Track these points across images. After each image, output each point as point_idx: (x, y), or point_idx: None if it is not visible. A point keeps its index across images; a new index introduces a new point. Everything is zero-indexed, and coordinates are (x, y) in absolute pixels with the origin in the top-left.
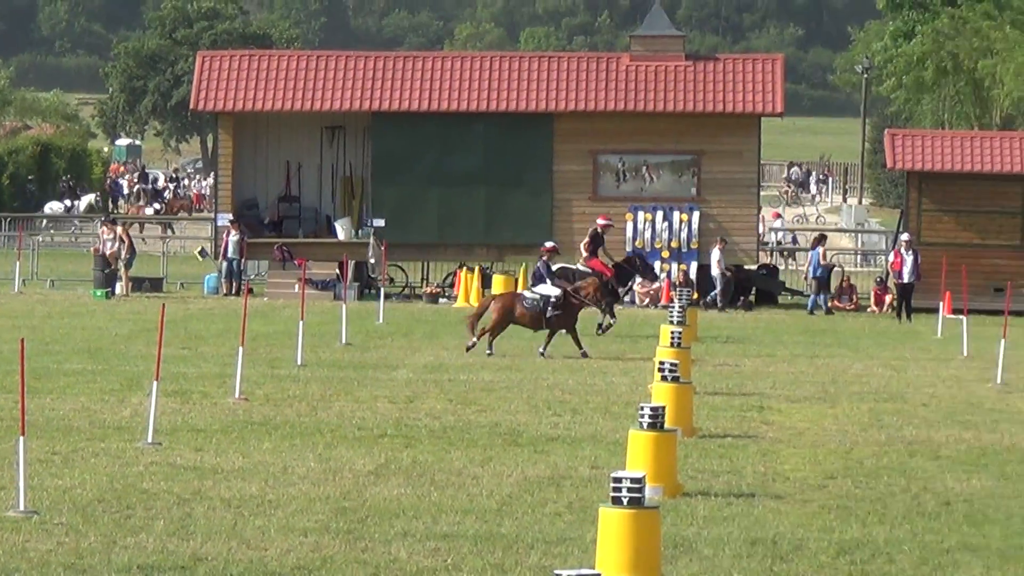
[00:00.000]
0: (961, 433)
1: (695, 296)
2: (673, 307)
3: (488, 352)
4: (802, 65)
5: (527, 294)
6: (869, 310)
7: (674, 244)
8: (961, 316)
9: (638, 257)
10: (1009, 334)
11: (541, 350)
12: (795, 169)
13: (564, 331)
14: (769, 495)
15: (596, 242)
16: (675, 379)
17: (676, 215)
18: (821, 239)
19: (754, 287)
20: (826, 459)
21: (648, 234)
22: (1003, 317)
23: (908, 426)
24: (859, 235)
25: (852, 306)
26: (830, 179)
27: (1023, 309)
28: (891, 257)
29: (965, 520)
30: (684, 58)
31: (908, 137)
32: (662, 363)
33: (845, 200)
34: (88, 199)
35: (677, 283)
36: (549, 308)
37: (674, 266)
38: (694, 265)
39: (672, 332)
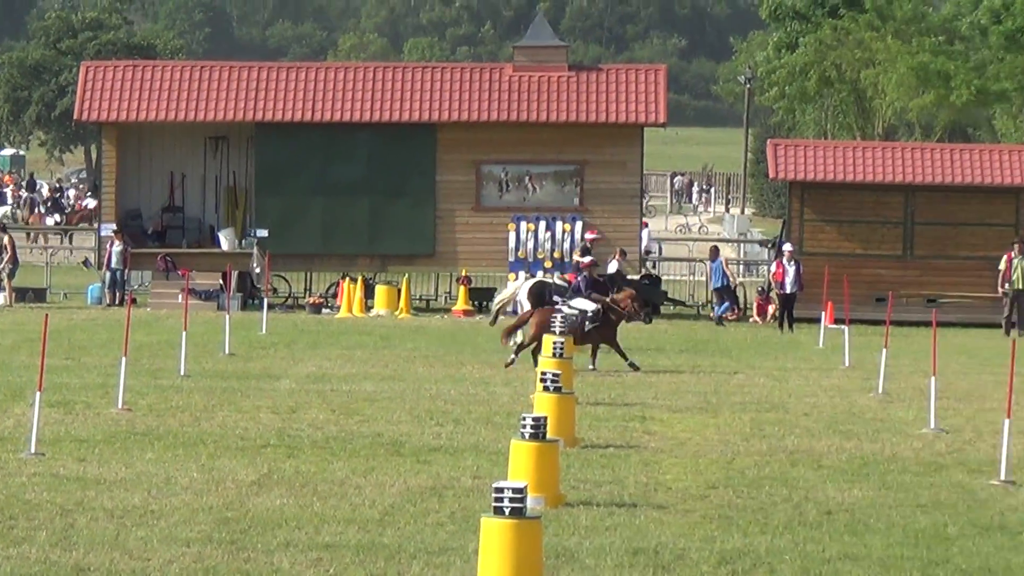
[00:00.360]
0: (842, 443)
1: None
2: (555, 318)
3: (510, 362)
4: (685, 76)
5: (564, 309)
6: (752, 320)
7: (557, 254)
8: (843, 326)
9: (619, 275)
10: (890, 344)
11: (590, 366)
12: (678, 179)
13: (606, 345)
14: (651, 505)
15: (585, 254)
16: (557, 389)
17: (559, 225)
18: (717, 251)
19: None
20: (708, 469)
21: (531, 244)
22: (884, 327)
23: (790, 436)
24: (741, 245)
25: (734, 316)
26: (713, 189)
27: (905, 319)
28: (773, 267)
29: (846, 529)
30: (567, 68)
31: (790, 147)
32: (544, 373)
33: (728, 210)
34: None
35: None
36: (587, 322)
37: (555, 276)
38: None
39: (554, 343)
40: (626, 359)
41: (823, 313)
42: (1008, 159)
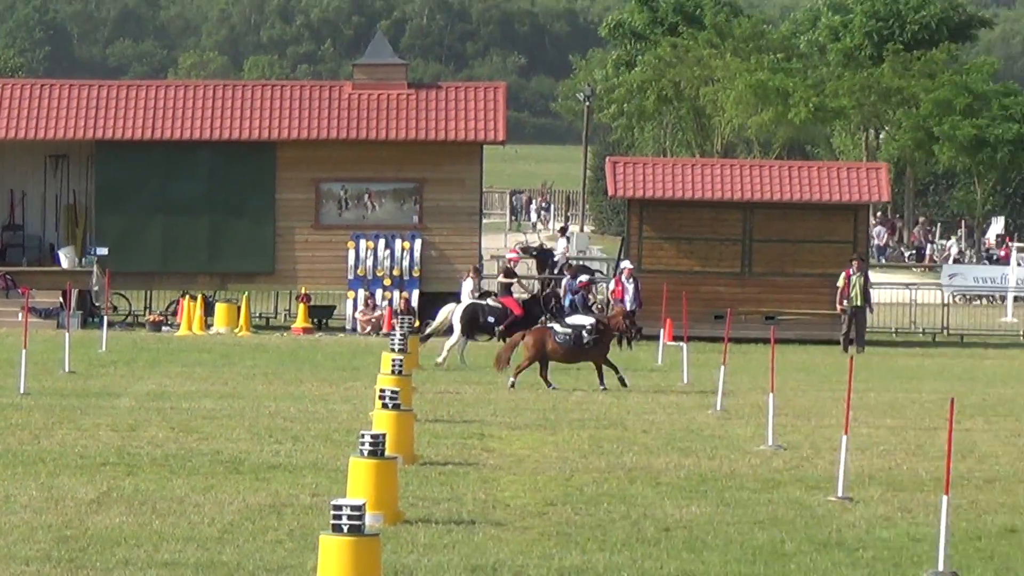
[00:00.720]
0: (681, 460)
1: (416, 324)
2: (394, 335)
3: (511, 385)
4: (525, 93)
5: (558, 328)
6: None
7: (396, 272)
8: (681, 343)
9: (554, 296)
10: (729, 361)
11: (601, 386)
12: (517, 196)
13: (597, 363)
14: (489, 522)
15: (510, 278)
16: (396, 407)
17: (398, 243)
18: (570, 267)
19: None
20: (546, 486)
21: (370, 262)
22: (723, 344)
23: (628, 453)
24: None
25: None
26: (552, 207)
27: (743, 336)
28: (612, 285)
29: (684, 546)
30: (407, 86)
31: (629, 165)
32: (383, 391)
33: (567, 228)
34: None
35: (399, 311)
36: (586, 337)
37: (396, 294)
38: (416, 293)
39: (393, 360)
40: (619, 372)
41: (662, 330)
42: (846, 176)
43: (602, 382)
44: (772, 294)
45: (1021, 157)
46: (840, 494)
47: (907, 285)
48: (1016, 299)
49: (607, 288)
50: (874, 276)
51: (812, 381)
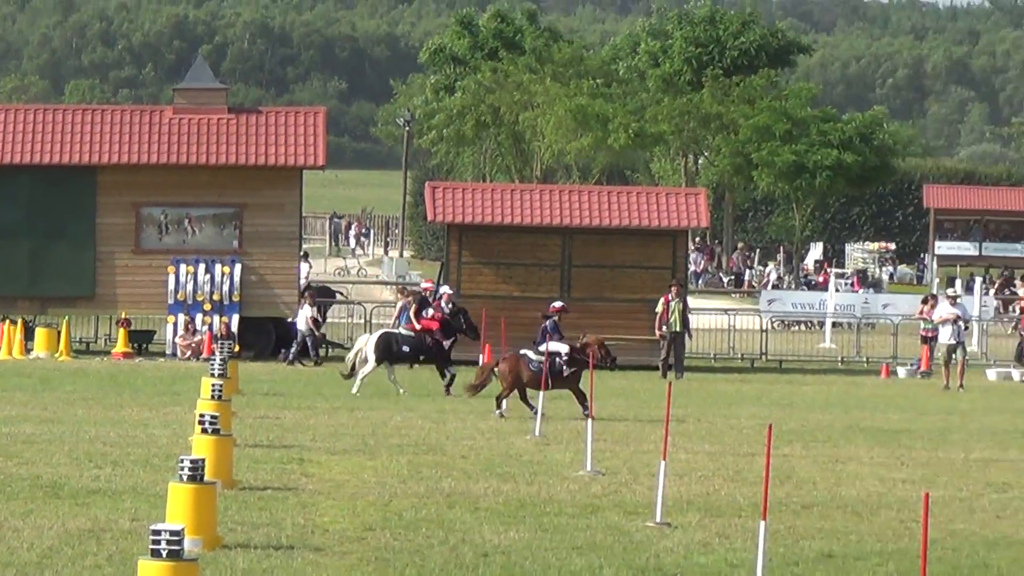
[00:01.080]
0: (500, 485)
1: (236, 349)
2: (214, 360)
3: (500, 415)
4: (345, 118)
5: (532, 355)
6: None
7: (216, 297)
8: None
9: (463, 313)
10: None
11: (585, 412)
12: (336, 222)
13: (570, 389)
14: (308, 547)
15: (423, 305)
16: (215, 431)
17: (218, 268)
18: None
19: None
20: (365, 511)
21: (190, 287)
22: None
23: (447, 478)
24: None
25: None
26: (372, 232)
27: None
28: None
29: (502, 572)
30: (227, 111)
31: (448, 190)
32: (202, 415)
33: (387, 252)
34: None
35: (219, 336)
36: (564, 366)
37: (216, 319)
38: (236, 318)
39: (213, 385)
40: (585, 406)
41: (481, 356)
42: (665, 202)
43: (585, 408)
44: (591, 319)
45: (839, 183)
46: (658, 520)
47: (726, 311)
48: (834, 325)
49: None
50: (693, 302)
51: (631, 406)
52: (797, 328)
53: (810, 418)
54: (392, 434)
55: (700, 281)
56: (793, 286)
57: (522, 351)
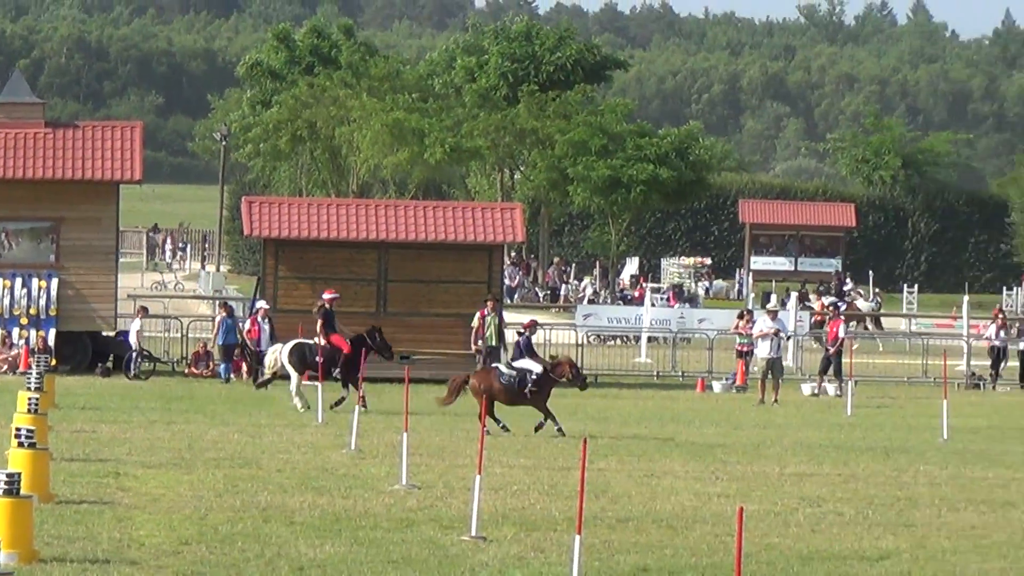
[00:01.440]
0: (315, 499)
1: (53, 363)
2: (31, 373)
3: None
4: (162, 132)
5: (504, 369)
6: (228, 379)
7: (33, 311)
8: (316, 383)
9: (377, 332)
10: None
11: (556, 429)
12: (152, 236)
13: (536, 407)
14: (124, 561)
15: (329, 318)
16: (32, 445)
17: (35, 282)
18: (231, 308)
19: (112, 353)
20: (181, 525)
21: (7, 301)
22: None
23: (263, 492)
24: (216, 302)
25: (209, 372)
26: (188, 246)
27: (378, 375)
28: (248, 325)
29: None
30: (44, 125)
31: (265, 204)
32: (19, 429)
33: (203, 267)
34: None
35: (36, 350)
36: (529, 384)
37: (33, 333)
38: (52, 332)
39: (29, 399)
40: (556, 422)
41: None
42: (481, 217)
43: (557, 424)
44: (407, 334)
45: (655, 198)
46: (474, 533)
47: (541, 325)
48: (650, 339)
49: (243, 327)
50: (509, 316)
51: (446, 421)
52: (613, 343)
53: (625, 432)
54: (208, 448)
55: (516, 296)
56: (609, 301)
57: (494, 364)
